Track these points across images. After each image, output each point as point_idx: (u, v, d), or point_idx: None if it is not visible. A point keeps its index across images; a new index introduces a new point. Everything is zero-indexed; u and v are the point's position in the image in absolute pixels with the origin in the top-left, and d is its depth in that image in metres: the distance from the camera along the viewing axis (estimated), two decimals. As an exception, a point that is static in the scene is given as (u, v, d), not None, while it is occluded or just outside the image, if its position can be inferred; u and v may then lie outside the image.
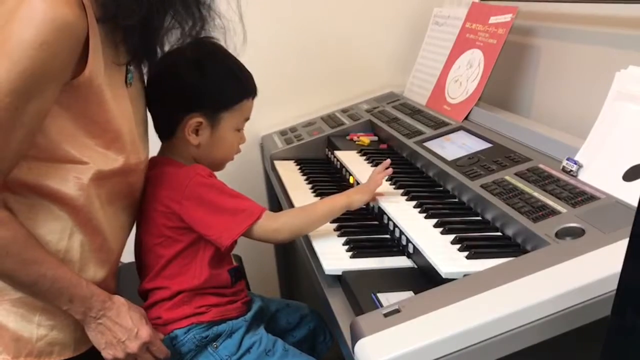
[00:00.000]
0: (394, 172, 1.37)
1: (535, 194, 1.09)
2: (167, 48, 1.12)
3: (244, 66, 1.22)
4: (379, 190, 1.29)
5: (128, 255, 1.26)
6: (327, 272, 1.12)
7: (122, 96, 1.03)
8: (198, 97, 1.16)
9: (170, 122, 1.19)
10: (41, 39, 0.83)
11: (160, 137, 1.24)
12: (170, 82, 1.17)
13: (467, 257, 1.01)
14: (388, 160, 1.32)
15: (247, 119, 1.25)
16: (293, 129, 1.98)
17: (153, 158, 1.24)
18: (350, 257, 1.16)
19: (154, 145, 1.23)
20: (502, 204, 1.11)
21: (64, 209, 0.98)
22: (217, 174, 1.24)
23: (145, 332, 1.05)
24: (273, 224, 1.16)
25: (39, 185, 0.95)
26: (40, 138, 0.92)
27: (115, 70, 1.01)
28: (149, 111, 1.20)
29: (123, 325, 1.03)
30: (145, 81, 1.18)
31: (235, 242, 1.15)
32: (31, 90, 0.85)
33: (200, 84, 1.16)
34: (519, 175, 1.18)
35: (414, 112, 1.76)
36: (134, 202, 1.15)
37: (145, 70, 1.16)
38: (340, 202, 1.23)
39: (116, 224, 1.09)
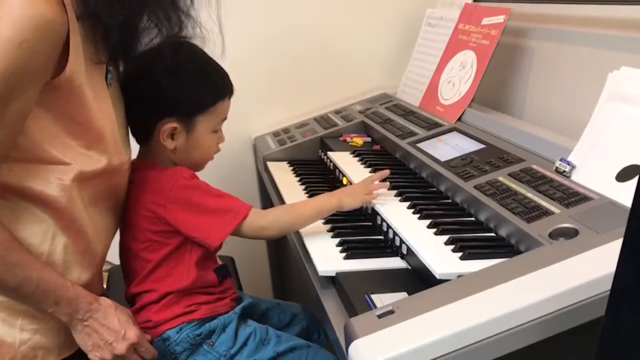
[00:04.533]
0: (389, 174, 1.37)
1: (529, 195, 1.09)
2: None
3: (218, 65, 1.20)
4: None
5: (117, 258, 1.25)
6: (320, 273, 1.12)
7: (104, 96, 1.02)
8: (171, 102, 1.15)
9: (145, 127, 1.18)
10: (21, 37, 0.81)
11: (137, 140, 1.22)
12: (142, 87, 1.15)
13: (461, 258, 1.01)
14: (387, 171, 1.32)
15: (225, 119, 1.23)
16: (286, 130, 1.97)
17: (133, 161, 1.22)
18: (344, 258, 1.15)
19: (134, 147, 1.22)
20: (496, 204, 1.11)
21: (47, 211, 0.97)
22: (210, 174, 1.24)
23: (132, 333, 1.04)
24: (261, 222, 1.16)
25: (20, 187, 0.94)
26: (21, 139, 0.91)
27: (96, 69, 1.00)
28: (124, 114, 1.19)
29: (110, 326, 1.02)
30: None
31: (223, 242, 1.15)
32: (12, 90, 0.84)
33: (173, 89, 1.14)
34: (512, 176, 1.18)
35: (407, 113, 1.76)
36: (117, 203, 1.14)
37: (122, 70, 1.13)
38: (329, 204, 1.23)
39: (100, 225, 1.08)
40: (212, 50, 1.16)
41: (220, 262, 1.26)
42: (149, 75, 1.14)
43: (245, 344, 1.18)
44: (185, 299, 1.17)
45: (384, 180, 1.31)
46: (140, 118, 1.17)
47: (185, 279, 1.16)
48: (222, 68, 1.21)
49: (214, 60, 1.20)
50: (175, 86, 1.14)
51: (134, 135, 1.21)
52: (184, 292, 1.16)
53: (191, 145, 1.19)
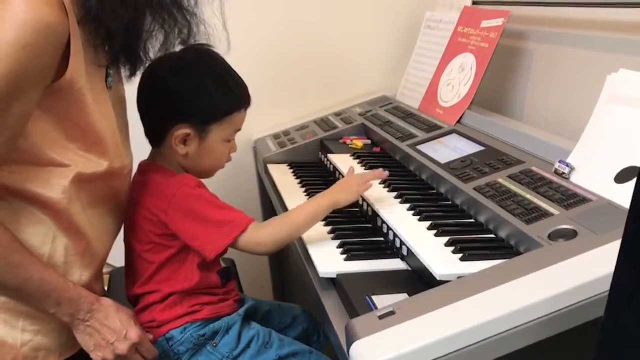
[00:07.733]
0: (387, 175, 1.37)
1: (528, 197, 1.10)
2: (151, 53, 1.09)
3: (237, 75, 1.20)
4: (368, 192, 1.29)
5: (121, 260, 1.26)
6: (321, 275, 1.12)
7: (104, 100, 1.03)
8: (186, 108, 1.14)
9: (158, 131, 1.18)
10: (24, 41, 0.82)
11: (150, 142, 1.23)
12: (158, 91, 1.16)
13: (461, 259, 1.01)
14: (386, 173, 1.32)
15: (239, 130, 1.23)
16: (286, 133, 1.97)
17: (142, 163, 1.23)
18: (345, 260, 1.16)
19: (144, 150, 1.23)
20: (496, 206, 1.11)
21: (47, 213, 0.98)
22: (210, 178, 1.24)
23: (134, 333, 1.04)
24: (257, 238, 1.13)
25: (20, 189, 0.94)
26: (21, 141, 0.92)
27: (96, 73, 1.00)
28: (140, 116, 1.20)
29: (112, 327, 1.03)
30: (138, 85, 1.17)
31: (220, 253, 1.13)
32: (14, 93, 0.85)
33: (189, 95, 1.13)
34: (511, 177, 1.19)
35: (407, 115, 1.76)
36: (118, 206, 1.14)
37: (125, 74, 1.13)
38: (323, 205, 1.19)
39: (101, 227, 1.08)
40: (217, 49, 1.16)
41: (223, 265, 1.26)
42: (166, 81, 1.14)
43: (248, 346, 1.19)
44: (188, 299, 1.17)
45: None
46: (155, 121, 1.18)
47: (189, 280, 1.16)
48: (241, 78, 1.20)
49: (234, 70, 1.19)
50: (191, 93, 1.13)
51: (148, 137, 1.22)
52: (188, 293, 1.17)
53: (203, 152, 1.18)
